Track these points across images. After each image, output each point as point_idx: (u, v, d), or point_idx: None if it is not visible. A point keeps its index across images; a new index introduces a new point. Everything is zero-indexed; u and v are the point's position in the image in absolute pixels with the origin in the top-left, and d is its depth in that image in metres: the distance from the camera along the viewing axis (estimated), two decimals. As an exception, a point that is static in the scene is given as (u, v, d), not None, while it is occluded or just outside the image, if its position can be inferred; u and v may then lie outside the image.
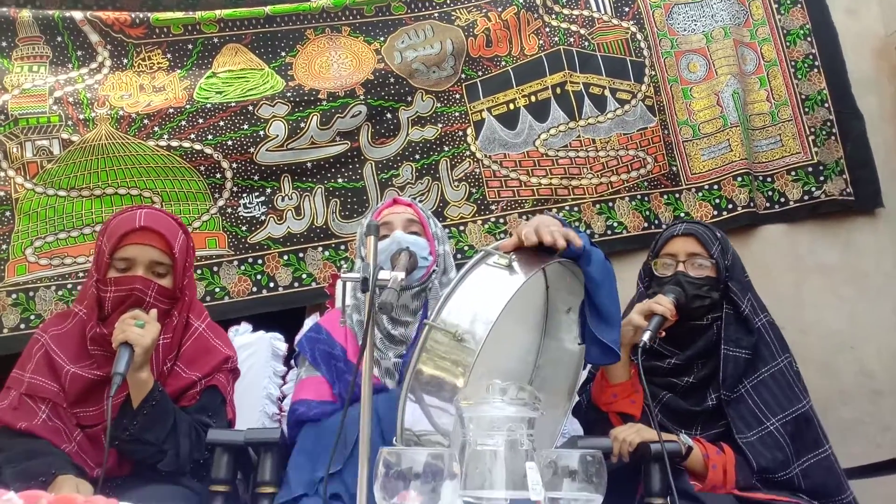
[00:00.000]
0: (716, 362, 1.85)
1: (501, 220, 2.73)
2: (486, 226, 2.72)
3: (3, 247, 2.41)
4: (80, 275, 2.39)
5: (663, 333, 1.83)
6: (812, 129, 2.96)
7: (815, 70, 3.01)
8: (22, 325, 2.36)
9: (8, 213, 2.43)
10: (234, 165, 2.57)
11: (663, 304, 1.80)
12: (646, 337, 1.75)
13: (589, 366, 1.87)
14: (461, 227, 2.70)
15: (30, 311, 2.38)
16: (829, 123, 2.96)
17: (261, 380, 2.17)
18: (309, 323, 2.13)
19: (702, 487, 1.72)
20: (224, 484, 1.65)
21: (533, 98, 2.85)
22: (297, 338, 2.01)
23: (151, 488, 1.59)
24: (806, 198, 2.90)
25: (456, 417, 1.11)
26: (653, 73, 2.96)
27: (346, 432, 1.46)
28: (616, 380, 1.86)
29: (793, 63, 3.02)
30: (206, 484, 1.66)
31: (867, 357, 2.78)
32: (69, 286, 2.40)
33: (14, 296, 2.39)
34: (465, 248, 2.66)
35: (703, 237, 1.92)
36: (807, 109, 2.98)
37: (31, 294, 2.40)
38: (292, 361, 2.08)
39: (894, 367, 2.77)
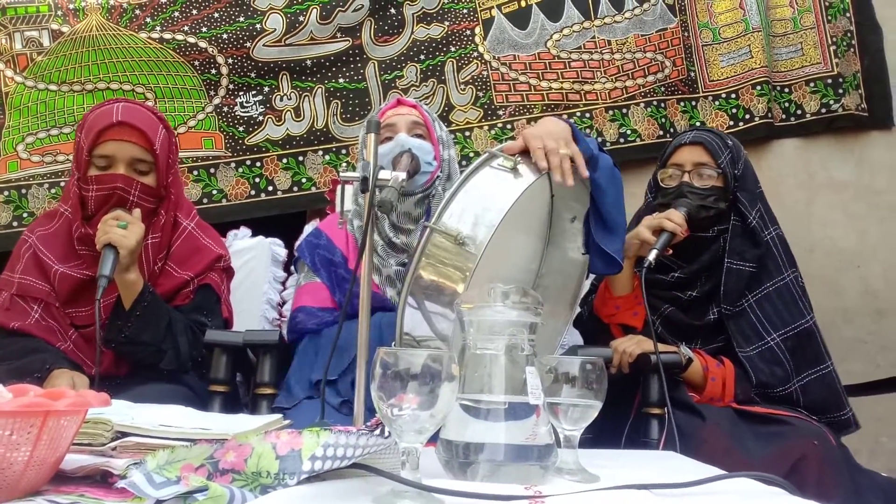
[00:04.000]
0: (719, 276, 1.81)
1: (509, 126, 2.63)
2: (493, 132, 2.63)
3: (-6, 142, 2.35)
4: (74, 173, 2.34)
5: (670, 251, 1.78)
6: (833, 39, 2.81)
7: (838, -27, 2.84)
8: (14, 223, 2.33)
9: (-2, 108, 2.36)
10: (230, 61, 2.46)
11: (675, 220, 1.74)
12: (651, 256, 1.71)
13: (592, 277, 1.84)
14: (466, 133, 2.62)
15: (22, 209, 2.35)
16: (849, 34, 2.82)
17: (260, 285, 2.16)
18: (309, 229, 2.09)
19: (700, 399, 1.72)
20: (223, 384, 1.66)
21: (546, -7, 2.70)
22: (297, 243, 1.98)
23: (150, 387, 1.58)
24: (823, 111, 2.79)
25: (456, 321, 1.08)
26: (674, -32, 2.79)
27: (346, 346, 1.43)
28: (619, 292, 1.83)
29: (816, -35, 2.84)
30: (207, 383, 1.67)
31: (873, 276, 2.75)
32: (62, 184, 2.35)
33: (6, 193, 2.35)
34: (471, 154, 2.58)
35: (711, 146, 1.84)
36: (829, 17, 2.82)
37: (23, 191, 2.35)
38: (292, 267, 2.05)
39: (899, 286, 2.75)
